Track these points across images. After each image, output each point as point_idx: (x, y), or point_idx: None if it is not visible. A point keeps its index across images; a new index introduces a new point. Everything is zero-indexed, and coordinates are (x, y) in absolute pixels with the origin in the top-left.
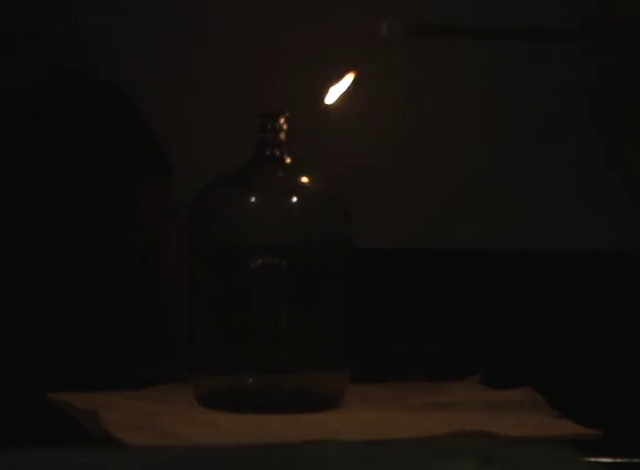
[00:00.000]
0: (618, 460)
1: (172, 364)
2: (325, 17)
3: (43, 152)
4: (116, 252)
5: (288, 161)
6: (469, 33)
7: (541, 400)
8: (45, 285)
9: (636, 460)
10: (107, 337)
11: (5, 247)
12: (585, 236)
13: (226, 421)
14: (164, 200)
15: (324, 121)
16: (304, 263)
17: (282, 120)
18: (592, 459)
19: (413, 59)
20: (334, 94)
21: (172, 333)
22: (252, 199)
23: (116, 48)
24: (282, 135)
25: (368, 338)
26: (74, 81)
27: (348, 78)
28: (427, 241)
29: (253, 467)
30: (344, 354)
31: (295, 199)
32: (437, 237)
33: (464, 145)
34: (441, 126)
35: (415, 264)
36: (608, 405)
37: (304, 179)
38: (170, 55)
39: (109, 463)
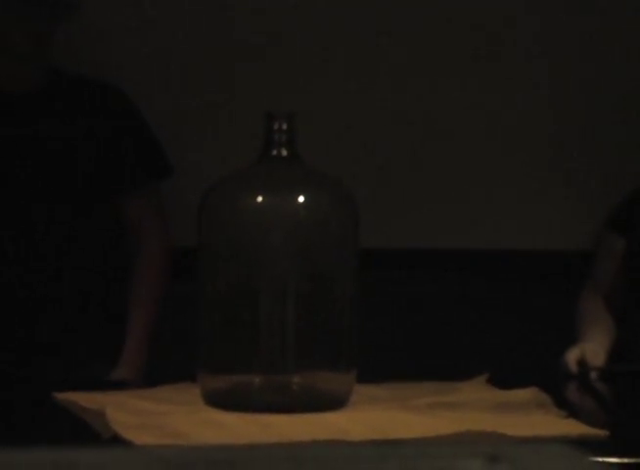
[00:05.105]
0: (625, 460)
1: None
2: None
3: (43, 153)
4: (117, 251)
5: (295, 160)
6: None
7: (548, 400)
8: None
9: None
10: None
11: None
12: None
13: (233, 421)
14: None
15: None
16: (312, 263)
17: (288, 121)
18: (599, 459)
19: (413, 58)
20: None
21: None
22: (260, 198)
23: (123, 49)
24: (288, 135)
25: (375, 338)
26: (77, 84)
27: None
28: (433, 241)
29: (260, 467)
30: (352, 354)
31: (302, 198)
32: (443, 237)
33: (464, 144)
34: (444, 124)
35: (421, 264)
36: (614, 406)
37: (312, 178)
38: (179, 55)
39: (116, 463)
